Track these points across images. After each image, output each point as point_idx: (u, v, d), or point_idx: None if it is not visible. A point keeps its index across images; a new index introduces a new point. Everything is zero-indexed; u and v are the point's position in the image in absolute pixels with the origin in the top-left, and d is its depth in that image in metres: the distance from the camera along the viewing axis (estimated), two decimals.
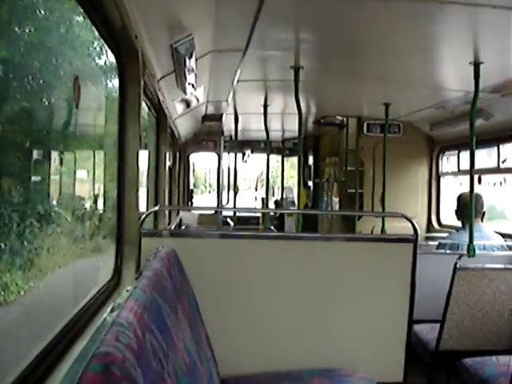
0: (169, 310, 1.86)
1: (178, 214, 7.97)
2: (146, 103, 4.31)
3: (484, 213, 5.23)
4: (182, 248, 2.98)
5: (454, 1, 2.96)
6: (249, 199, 17.18)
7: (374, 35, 3.72)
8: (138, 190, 3.14)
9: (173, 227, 6.67)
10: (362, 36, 3.76)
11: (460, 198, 5.37)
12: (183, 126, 7.18)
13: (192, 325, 2.34)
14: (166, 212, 6.48)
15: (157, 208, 4.00)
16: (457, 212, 5.44)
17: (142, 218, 3.14)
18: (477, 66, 4.11)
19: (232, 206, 8.98)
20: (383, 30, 3.59)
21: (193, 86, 4.31)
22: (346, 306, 3.34)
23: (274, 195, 14.11)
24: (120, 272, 3.01)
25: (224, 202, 9.40)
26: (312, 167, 10.28)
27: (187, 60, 3.56)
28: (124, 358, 1.20)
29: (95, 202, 3.56)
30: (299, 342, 3.29)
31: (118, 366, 1.16)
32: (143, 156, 4.32)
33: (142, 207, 4.06)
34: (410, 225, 3.35)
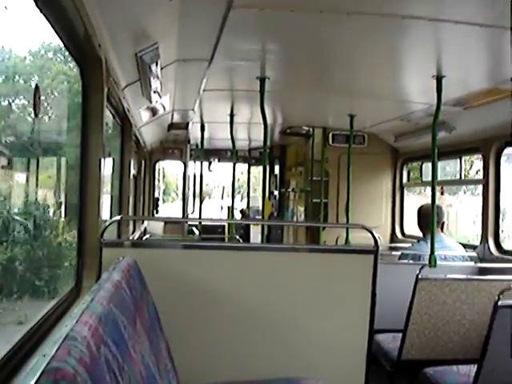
0: (126, 323, 1.84)
1: (142, 222, 7.91)
2: (111, 111, 4.27)
3: (443, 223, 5.32)
4: (144, 259, 2.96)
5: (416, 16, 3.01)
6: (218, 207, 17.16)
7: (339, 48, 3.75)
8: (100, 199, 3.11)
9: (137, 236, 6.61)
10: (327, 48, 3.80)
11: (420, 210, 5.46)
12: (149, 134, 7.14)
13: (151, 336, 2.31)
14: (131, 221, 6.43)
15: (119, 218, 3.96)
16: (418, 223, 5.52)
17: (103, 228, 3.10)
18: (439, 79, 4.18)
19: (198, 215, 8.94)
20: (348, 43, 3.63)
21: (158, 94, 4.30)
22: (309, 315, 3.35)
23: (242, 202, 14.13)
24: (80, 283, 2.97)
25: (190, 210, 9.37)
26: (278, 177, 10.31)
27: (152, 68, 3.55)
28: (75, 373, 1.18)
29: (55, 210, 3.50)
30: (262, 352, 3.29)
31: (68, 382, 1.14)
32: (107, 164, 4.27)
33: (106, 216, 4.01)
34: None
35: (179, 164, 9.41)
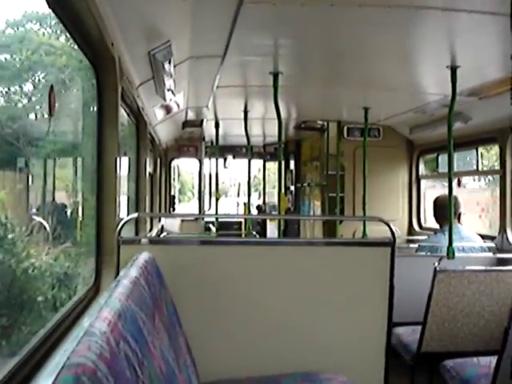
0: (145, 318, 1.85)
1: (159, 220, 7.95)
2: (125, 110, 4.30)
3: (460, 214, 5.29)
4: (161, 255, 2.97)
5: (429, 6, 3.00)
6: (235, 204, 17.20)
7: (352, 40, 3.74)
8: (117, 198, 3.13)
9: (154, 234, 6.64)
10: (340, 41, 3.78)
11: (436, 201, 5.44)
12: (164, 132, 7.16)
13: (170, 332, 2.33)
14: (148, 219, 6.46)
15: (135, 215, 3.98)
16: (434, 215, 5.50)
17: (119, 226, 3.12)
18: (454, 69, 4.15)
19: (214, 211, 8.96)
20: (361, 36, 3.61)
21: (172, 92, 4.31)
22: (327, 309, 3.35)
23: (259, 200, 14.13)
24: (99, 280, 2.99)
25: (206, 207, 9.39)
26: (293, 172, 10.31)
27: (165, 66, 3.56)
28: (96, 368, 1.19)
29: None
30: (280, 347, 3.30)
31: (89, 377, 1.15)
32: (123, 163, 4.30)
33: (123, 215, 4.04)
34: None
35: (195, 162, 9.44)
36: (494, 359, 3.27)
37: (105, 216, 3.07)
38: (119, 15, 2.64)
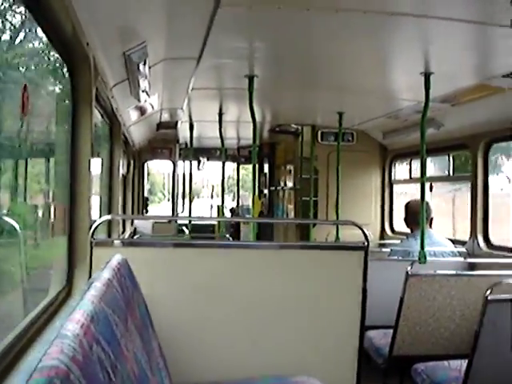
0: (118, 321, 1.84)
1: (132, 223, 7.90)
2: (99, 110, 4.26)
3: (432, 219, 5.35)
4: (134, 257, 2.95)
5: (404, 12, 3.02)
6: (207, 206, 17.14)
7: (327, 45, 3.76)
8: (89, 199, 3.10)
9: (127, 236, 6.60)
10: (316, 46, 3.80)
11: (408, 206, 5.50)
12: (138, 133, 7.12)
13: (143, 335, 2.31)
14: (120, 221, 6.41)
15: (109, 217, 3.96)
16: (405, 219, 5.55)
17: (93, 227, 3.10)
18: (427, 76, 4.19)
19: (187, 214, 8.93)
20: (336, 40, 3.63)
21: (147, 93, 4.29)
22: (300, 312, 3.36)
23: (233, 202, 14.11)
24: (71, 282, 2.96)
25: (179, 210, 9.35)
26: (267, 175, 10.32)
27: (140, 67, 3.54)
28: (68, 370, 1.18)
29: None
30: (253, 350, 3.29)
31: (61, 379, 1.14)
32: (96, 164, 4.26)
33: (95, 216, 4.00)
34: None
35: (166, 162, 9.40)
36: (464, 363, 3.31)
37: (77, 217, 3.04)
38: (95, 15, 2.62)
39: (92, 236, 3.08)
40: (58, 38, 2.66)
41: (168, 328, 3.05)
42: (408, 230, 5.70)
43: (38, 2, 2.23)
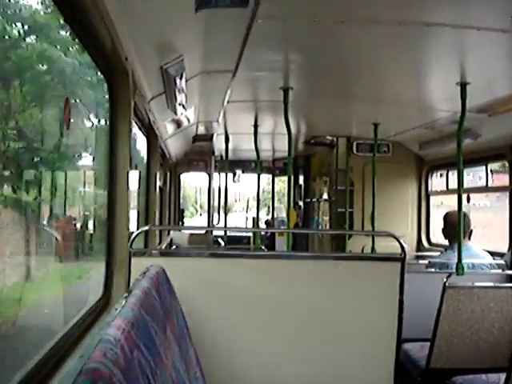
0: (157, 329, 1.87)
1: (168, 234, 7.97)
2: (137, 123, 4.34)
3: (471, 231, 5.29)
4: (171, 267, 2.99)
5: (439, 23, 3.02)
6: (241, 220, 17.18)
7: (363, 56, 3.77)
8: (128, 210, 3.15)
9: (163, 247, 6.66)
10: (350, 57, 3.82)
11: (447, 217, 5.43)
12: (174, 146, 7.21)
13: (181, 343, 2.34)
14: (157, 232, 6.48)
15: (147, 227, 4.01)
16: (443, 231, 5.49)
17: (131, 238, 3.15)
18: (463, 86, 4.17)
19: (223, 225, 8.98)
20: (371, 52, 3.64)
21: (183, 106, 4.35)
22: (336, 323, 3.35)
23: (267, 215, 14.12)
24: (110, 291, 3.01)
25: (215, 222, 9.41)
26: (303, 187, 10.32)
27: (177, 81, 3.60)
28: (111, 373, 1.21)
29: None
30: (288, 361, 3.29)
31: (104, 382, 1.17)
32: (134, 176, 4.32)
33: (133, 228, 4.07)
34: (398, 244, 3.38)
35: (198, 175, 9.46)
36: (502, 376, 3.27)
37: (116, 228, 3.09)
38: (133, 30, 2.68)
39: (131, 246, 3.13)
40: (98, 53, 2.72)
41: (204, 337, 3.08)
42: (446, 242, 5.64)
43: (78, 19, 2.30)
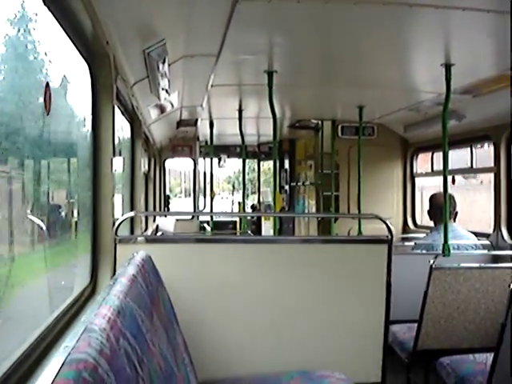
0: (143, 316, 1.85)
1: (154, 220, 7.94)
2: (120, 109, 4.29)
3: (457, 213, 5.31)
4: (157, 254, 2.97)
5: (423, 3, 3.00)
6: (225, 204, 17.18)
7: (347, 38, 3.74)
8: (112, 197, 3.13)
9: (149, 233, 6.64)
10: (335, 39, 3.78)
11: (432, 199, 5.45)
12: (158, 131, 7.16)
13: (168, 330, 2.33)
14: (143, 218, 6.45)
15: (132, 214, 3.98)
16: (429, 212, 5.51)
17: (116, 225, 3.12)
18: (448, 67, 4.15)
19: (209, 211, 8.97)
20: (355, 34, 3.61)
21: (166, 91, 4.30)
22: (323, 307, 3.35)
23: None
24: (96, 279, 2.99)
25: (201, 207, 9.39)
26: (288, 171, 10.31)
27: (160, 65, 3.55)
28: (96, 363, 1.20)
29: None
30: (277, 345, 3.30)
31: (89, 373, 1.15)
32: (118, 162, 4.28)
33: (118, 214, 4.03)
34: (385, 226, 3.38)
35: (179, 161, 9.42)
36: (490, 356, 3.29)
37: (101, 215, 3.06)
38: (114, 13, 2.64)
39: (116, 233, 3.10)
40: (78, 37, 2.68)
41: (192, 323, 3.07)
42: (431, 224, 5.67)
43: (57, 1, 2.25)
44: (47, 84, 2.13)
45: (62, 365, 1.14)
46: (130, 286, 1.91)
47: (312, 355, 3.32)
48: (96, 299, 2.24)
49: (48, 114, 2.15)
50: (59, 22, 2.36)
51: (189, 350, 2.69)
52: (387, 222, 3.38)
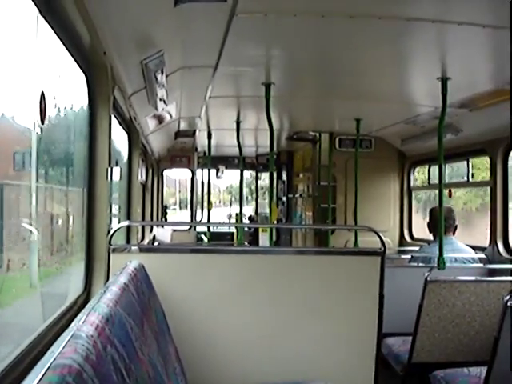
0: (133, 324, 1.85)
1: (151, 231, 7.94)
2: (117, 119, 4.31)
3: (456, 226, 5.31)
4: (151, 263, 2.97)
5: (420, 18, 3.02)
6: (227, 214, 17.17)
7: (344, 52, 3.76)
8: (108, 207, 3.13)
9: (145, 243, 6.64)
10: (332, 52, 3.81)
11: (432, 212, 5.45)
12: (156, 142, 7.17)
13: (159, 339, 2.32)
14: (139, 229, 6.45)
15: (126, 223, 3.98)
16: (429, 225, 5.51)
17: (110, 234, 3.12)
18: (444, 81, 4.17)
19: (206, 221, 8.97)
20: (352, 47, 3.64)
21: (164, 102, 4.32)
22: (318, 318, 3.35)
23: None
24: (90, 288, 2.99)
25: (198, 218, 9.39)
26: (286, 182, 10.33)
27: (158, 76, 3.57)
28: (81, 369, 1.20)
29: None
30: (270, 355, 3.29)
31: (74, 378, 1.16)
32: (115, 172, 4.29)
33: (115, 224, 4.04)
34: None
35: (177, 173, 9.42)
36: (484, 369, 3.28)
37: (96, 224, 3.07)
38: (112, 24, 2.65)
39: (109, 242, 3.11)
40: (76, 48, 2.70)
41: (186, 334, 3.07)
42: (429, 237, 5.67)
43: (55, 13, 2.27)
44: (42, 94, 2.14)
45: (47, 369, 1.14)
46: (120, 295, 1.91)
47: (305, 366, 3.31)
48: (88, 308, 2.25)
49: (43, 124, 2.17)
50: (56, 33, 2.38)
51: (181, 360, 2.69)
52: (380, 234, 3.38)
